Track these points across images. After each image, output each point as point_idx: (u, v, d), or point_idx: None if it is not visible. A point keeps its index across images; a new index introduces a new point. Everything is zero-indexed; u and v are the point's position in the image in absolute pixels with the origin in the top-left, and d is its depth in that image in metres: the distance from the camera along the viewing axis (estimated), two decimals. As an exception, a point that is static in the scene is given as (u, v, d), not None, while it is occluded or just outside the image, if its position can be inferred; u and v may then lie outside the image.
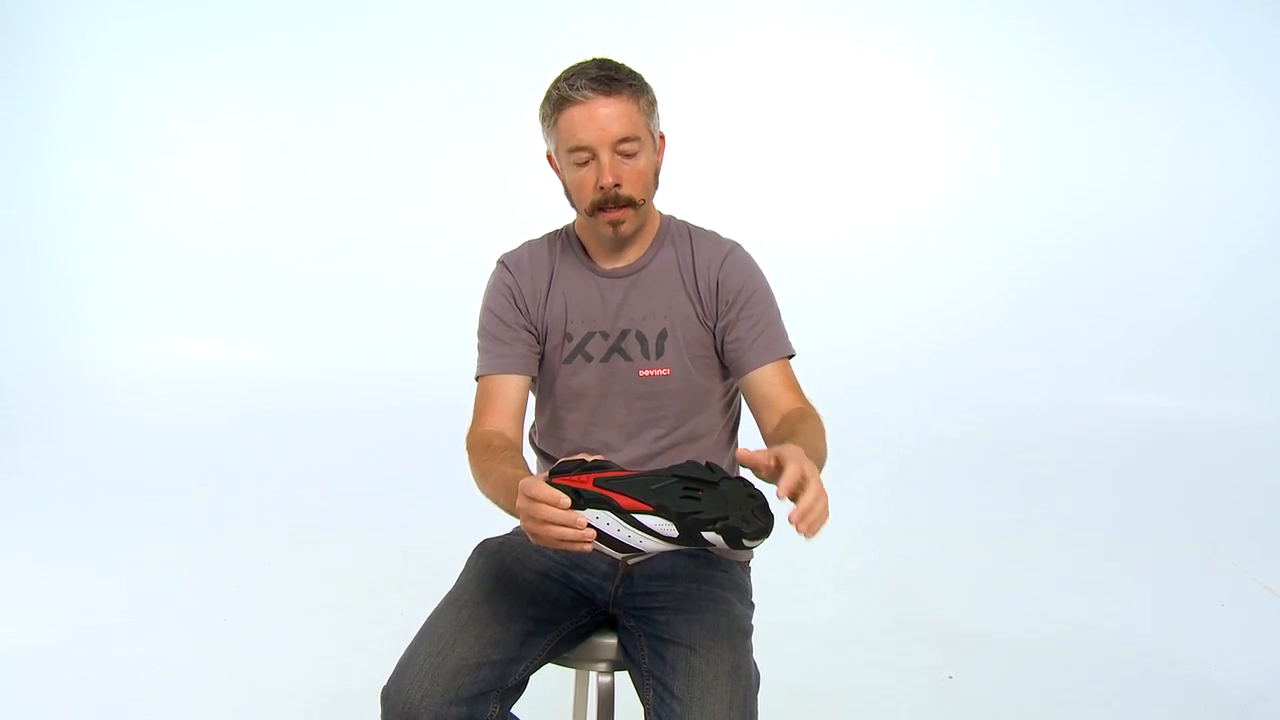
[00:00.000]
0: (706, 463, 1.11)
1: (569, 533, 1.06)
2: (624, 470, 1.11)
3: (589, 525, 1.06)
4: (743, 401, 1.52)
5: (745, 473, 1.15)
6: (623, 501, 1.07)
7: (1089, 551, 3.15)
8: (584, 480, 1.09)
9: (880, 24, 4.43)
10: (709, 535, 1.06)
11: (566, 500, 1.06)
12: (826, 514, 1.04)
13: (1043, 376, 4.20)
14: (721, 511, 1.05)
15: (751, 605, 1.44)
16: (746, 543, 1.05)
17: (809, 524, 1.03)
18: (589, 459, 1.12)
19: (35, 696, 2.25)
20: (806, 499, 1.03)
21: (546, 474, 1.11)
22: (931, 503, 3.53)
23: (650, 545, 1.08)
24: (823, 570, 2.92)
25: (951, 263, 4.38)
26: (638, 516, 1.07)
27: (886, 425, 3.94)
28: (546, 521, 1.06)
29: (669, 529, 1.06)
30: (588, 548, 1.07)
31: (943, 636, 2.57)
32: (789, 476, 1.04)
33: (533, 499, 1.07)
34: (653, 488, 1.08)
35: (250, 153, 4.69)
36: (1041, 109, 4.36)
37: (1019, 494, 3.59)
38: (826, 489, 1.06)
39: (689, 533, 1.06)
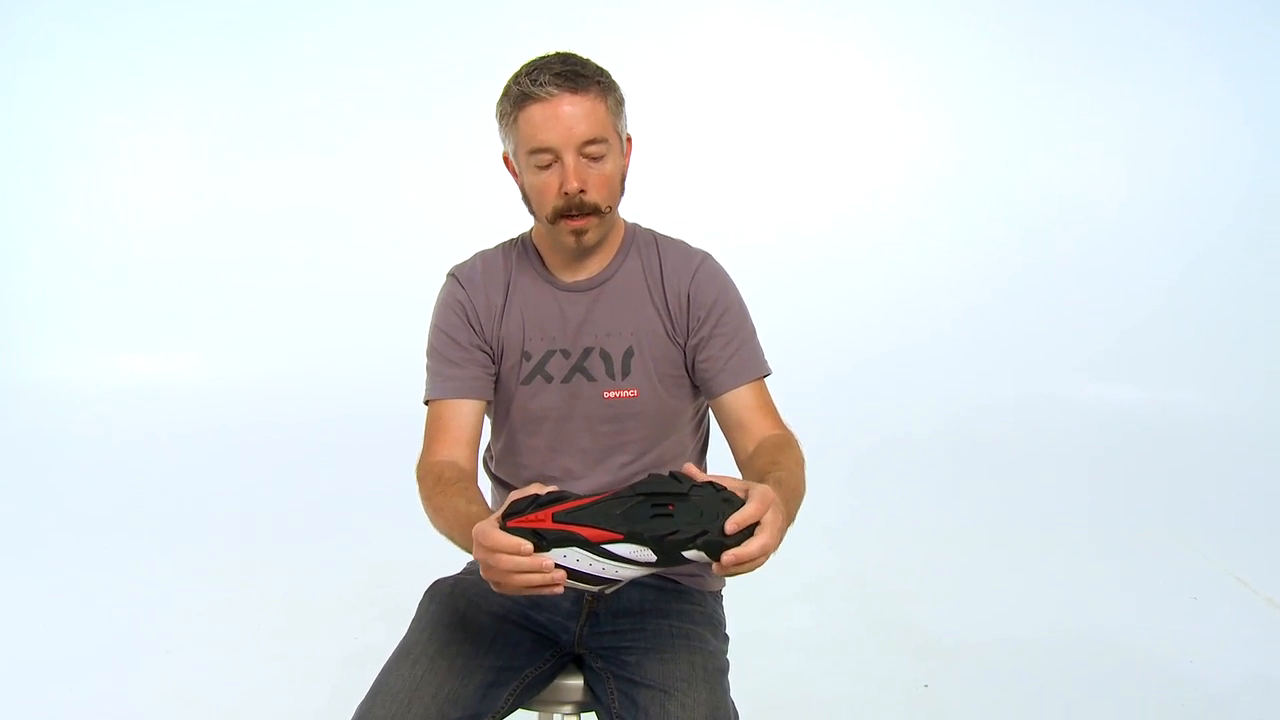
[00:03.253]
0: (670, 471, 1.02)
1: (536, 578, 0.97)
2: (582, 498, 1.02)
3: (557, 565, 0.98)
4: (712, 418, 1.43)
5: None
6: (589, 534, 0.98)
7: (1060, 548, 3.12)
8: (542, 518, 0.99)
9: (838, 11, 4.37)
10: (690, 554, 0.98)
11: (528, 546, 0.96)
12: (755, 567, 0.98)
13: (1008, 369, 4.18)
14: (699, 526, 0.96)
15: (726, 638, 1.36)
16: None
17: (732, 569, 0.97)
18: (543, 492, 1.02)
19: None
20: (749, 548, 0.96)
21: (500, 516, 1.01)
22: (897, 502, 3.47)
23: (627, 573, 1.00)
24: (786, 576, 2.83)
25: (912, 255, 4.34)
26: (609, 547, 0.98)
27: (848, 422, 3.88)
28: (510, 571, 0.97)
29: (645, 554, 0.98)
30: (559, 590, 0.99)
31: (915, 643, 2.51)
32: (745, 514, 0.96)
33: (491, 549, 0.98)
34: (618, 512, 0.99)
35: (188, 158, 4.50)
36: (1001, 100, 4.34)
37: (986, 491, 3.54)
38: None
39: (668, 555, 0.98)
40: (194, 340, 4.43)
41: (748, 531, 0.97)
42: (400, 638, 1.28)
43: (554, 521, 0.98)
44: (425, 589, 1.37)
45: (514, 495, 1.02)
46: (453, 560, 1.36)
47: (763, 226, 4.31)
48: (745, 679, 2.14)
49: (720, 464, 1.45)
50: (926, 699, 2.26)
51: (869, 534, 3.23)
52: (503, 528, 0.98)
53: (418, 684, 1.18)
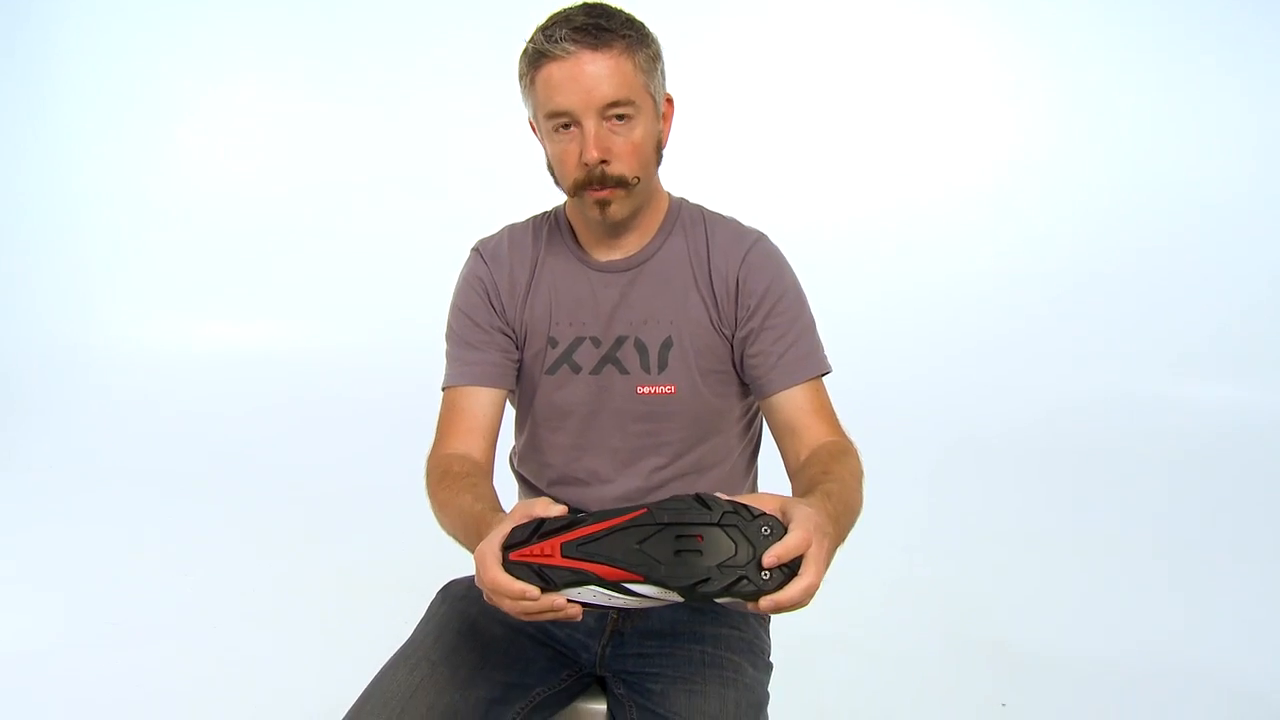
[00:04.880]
0: (696, 494, 0.88)
1: (548, 615, 0.88)
2: (597, 524, 0.88)
3: (570, 600, 0.88)
4: (764, 421, 1.28)
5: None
6: (604, 573, 0.86)
7: (1158, 560, 2.86)
8: (549, 550, 0.87)
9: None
10: (723, 601, 0.86)
11: (535, 591, 0.86)
12: (798, 608, 0.85)
13: (1101, 365, 3.88)
14: (734, 570, 0.84)
15: (769, 666, 1.21)
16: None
17: (770, 611, 0.84)
18: (547, 516, 0.90)
19: (17, 705, 2.10)
20: (790, 593, 0.82)
21: (500, 546, 0.89)
22: (978, 505, 3.23)
23: (649, 604, 0.90)
24: (856, 580, 2.66)
25: (1002, 242, 4.07)
26: (628, 585, 0.87)
27: (929, 420, 3.65)
28: (517, 612, 0.88)
29: (670, 595, 0.87)
30: (577, 617, 0.89)
31: (992, 656, 2.33)
32: (786, 547, 0.83)
33: (493, 590, 0.88)
34: (637, 545, 0.86)
35: (270, 124, 4.47)
36: (1101, 78, 4.01)
37: (1075, 496, 3.28)
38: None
39: (696, 600, 0.87)
40: (270, 309, 4.41)
41: (790, 567, 0.83)
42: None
43: (563, 556, 0.87)
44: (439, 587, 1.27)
45: (516, 518, 0.90)
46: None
47: (837, 208, 4.07)
48: (806, 690, 2.01)
49: (771, 470, 1.30)
50: (1003, 718, 2.08)
51: (947, 538, 3.02)
52: (505, 561, 0.88)
53: (414, 691, 1.07)
